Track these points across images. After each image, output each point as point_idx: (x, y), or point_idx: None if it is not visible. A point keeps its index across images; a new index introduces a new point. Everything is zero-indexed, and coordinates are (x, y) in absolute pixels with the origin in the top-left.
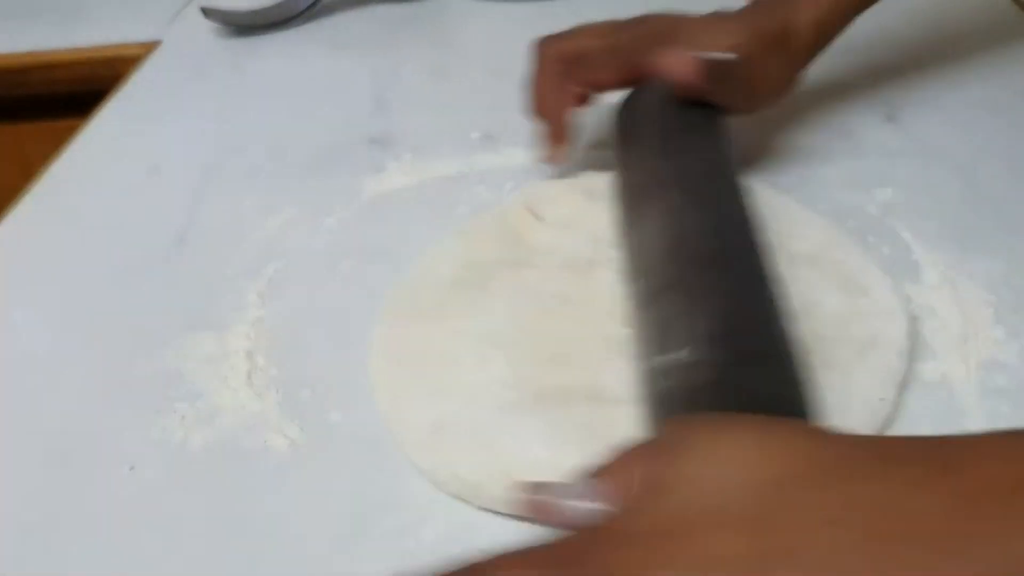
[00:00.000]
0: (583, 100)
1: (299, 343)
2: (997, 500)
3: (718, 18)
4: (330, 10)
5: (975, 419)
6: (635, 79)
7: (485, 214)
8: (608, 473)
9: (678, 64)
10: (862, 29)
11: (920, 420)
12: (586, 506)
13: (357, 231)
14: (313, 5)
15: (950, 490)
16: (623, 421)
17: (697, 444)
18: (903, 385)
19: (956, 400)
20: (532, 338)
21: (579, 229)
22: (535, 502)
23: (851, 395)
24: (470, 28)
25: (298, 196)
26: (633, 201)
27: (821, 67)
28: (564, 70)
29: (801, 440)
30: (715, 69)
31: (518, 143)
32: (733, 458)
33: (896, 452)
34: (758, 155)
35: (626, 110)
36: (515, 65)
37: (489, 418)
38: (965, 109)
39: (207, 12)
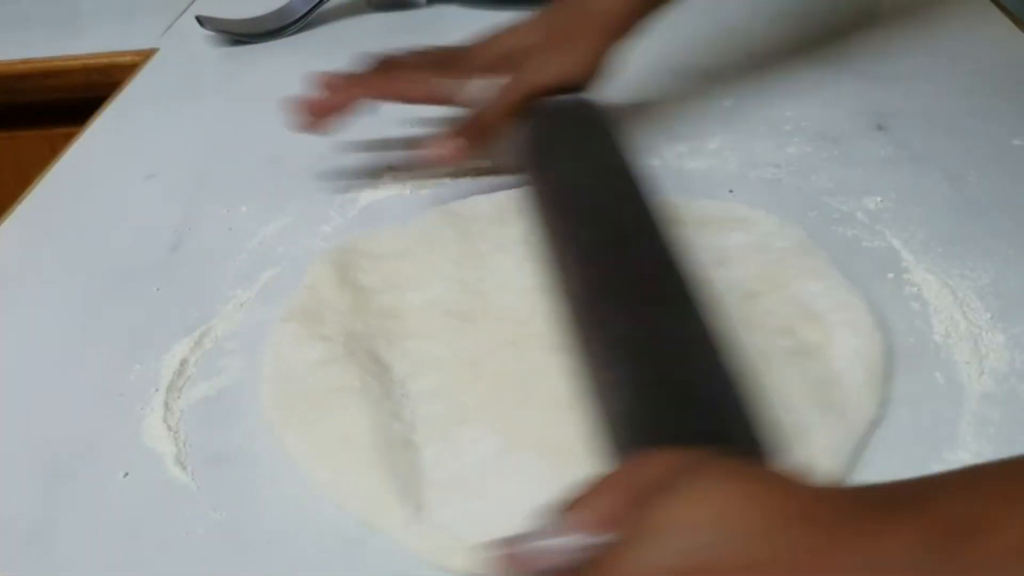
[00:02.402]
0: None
1: None
2: (961, 538)
3: (518, 23)
4: (324, 19)
5: (963, 427)
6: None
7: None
8: (584, 504)
9: (439, 152)
10: (853, 37)
11: (908, 426)
12: (569, 540)
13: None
14: (307, 14)
15: (917, 530)
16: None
17: (684, 487)
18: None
19: (943, 407)
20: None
21: (422, 283)
22: (516, 555)
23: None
24: (463, 36)
25: (293, 204)
26: (555, 235)
27: (812, 76)
28: (377, 67)
29: (778, 487)
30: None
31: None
32: (723, 503)
33: (865, 495)
34: (750, 162)
35: (533, 136)
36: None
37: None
38: (954, 117)
39: (202, 21)
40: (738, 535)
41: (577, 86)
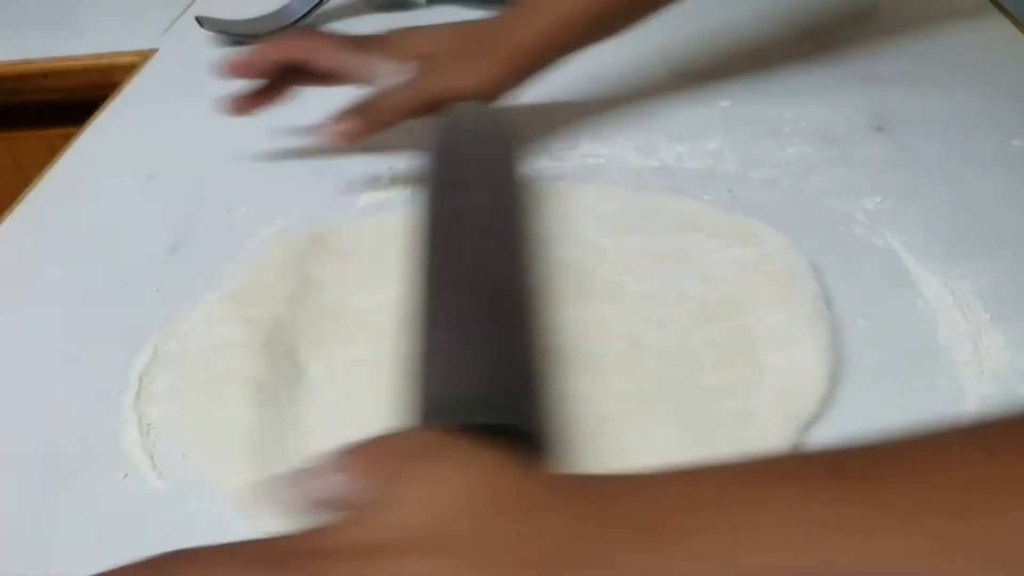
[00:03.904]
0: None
1: None
2: (636, 529)
3: (435, 27)
4: (324, 19)
5: None
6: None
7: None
8: (358, 453)
9: (331, 130)
10: (853, 38)
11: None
12: (331, 480)
13: None
14: (307, 15)
15: (601, 523)
16: None
17: (417, 466)
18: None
19: (942, 408)
20: None
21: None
22: (283, 490)
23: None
24: None
25: (293, 204)
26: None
27: (811, 76)
28: (298, 36)
29: (505, 473)
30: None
31: None
32: (444, 483)
33: (586, 485)
34: (749, 163)
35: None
36: None
37: None
38: (953, 118)
39: (202, 21)
40: (446, 517)
41: (476, 99)
